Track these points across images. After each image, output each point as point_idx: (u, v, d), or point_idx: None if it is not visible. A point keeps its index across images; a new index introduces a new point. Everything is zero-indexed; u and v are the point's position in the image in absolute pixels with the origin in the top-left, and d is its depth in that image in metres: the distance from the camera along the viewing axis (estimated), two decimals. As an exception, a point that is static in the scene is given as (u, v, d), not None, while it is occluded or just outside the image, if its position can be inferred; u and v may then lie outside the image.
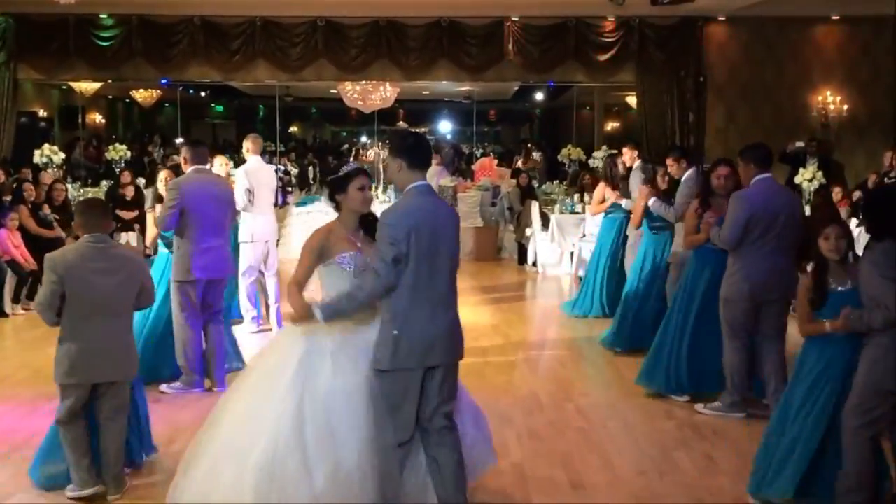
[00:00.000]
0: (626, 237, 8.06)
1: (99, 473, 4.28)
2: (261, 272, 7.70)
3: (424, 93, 17.99)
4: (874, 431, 3.93)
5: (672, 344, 5.93)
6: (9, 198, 9.68)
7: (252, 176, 7.52)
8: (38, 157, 12.14)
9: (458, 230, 3.81)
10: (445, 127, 22.40)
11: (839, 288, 4.18)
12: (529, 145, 17.29)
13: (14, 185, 10.22)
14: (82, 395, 4.19)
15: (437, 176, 13.56)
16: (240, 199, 7.25)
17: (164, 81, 14.53)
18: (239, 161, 9.58)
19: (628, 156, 8.44)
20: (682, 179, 7.05)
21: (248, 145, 7.78)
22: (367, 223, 3.94)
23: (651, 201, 7.11)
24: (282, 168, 16.30)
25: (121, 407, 4.29)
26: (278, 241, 10.78)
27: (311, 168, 17.68)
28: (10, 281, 8.59)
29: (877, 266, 3.86)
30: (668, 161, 7.30)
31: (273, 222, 7.74)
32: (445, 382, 3.68)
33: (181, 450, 4.88)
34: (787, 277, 5.38)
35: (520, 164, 15.44)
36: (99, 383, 4.22)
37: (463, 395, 4.07)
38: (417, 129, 22.65)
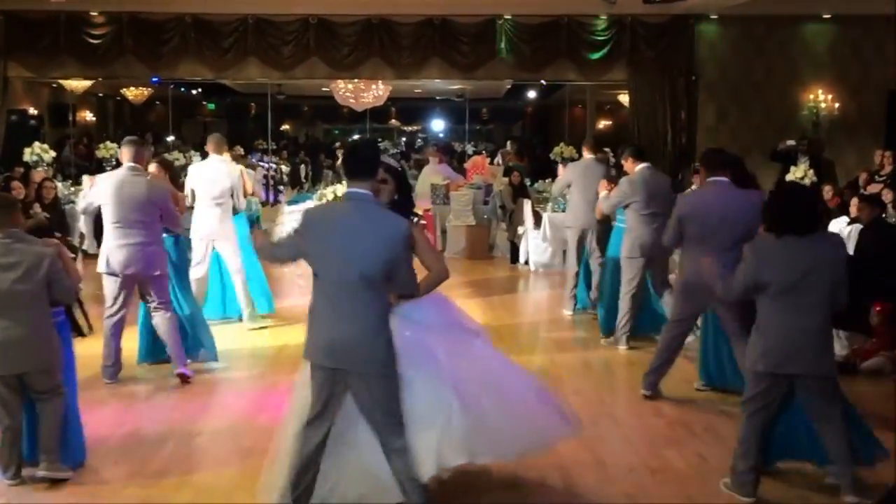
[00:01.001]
0: None
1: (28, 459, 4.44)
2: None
3: (417, 91, 17.98)
4: (753, 409, 4.24)
5: (708, 341, 6.04)
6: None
7: (194, 174, 7.69)
8: (28, 155, 12.08)
9: (387, 247, 3.56)
10: (438, 125, 22.41)
11: None
12: (509, 145, 17.15)
13: (3, 184, 10.17)
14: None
15: (441, 172, 13.57)
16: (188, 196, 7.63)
17: (155, 79, 14.48)
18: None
19: (584, 152, 8.65)
20: (623, 179, 7.36)
21: (208, 146, 8.00)
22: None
23: (602, 195, 7.52)
24: (272, 166, 16.30)
25: (45, 391, 4.37)
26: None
27: (302, 166, 17.65)
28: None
29: (749, 248, 4.25)
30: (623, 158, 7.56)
31: (211, 220, 7.58)
32: (366, 396, 3.63)
33: (173, 450, 4.90)
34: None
35: (508, 160, 15.37)
36: (23, 373, 4.33)
37: (492, 378, 4.08)
38: (412, 128, 22.70)
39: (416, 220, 4.23)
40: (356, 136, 17.88)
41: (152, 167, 6.73)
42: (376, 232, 3.57)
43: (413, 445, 3.69)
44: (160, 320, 6.12)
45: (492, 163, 15.39)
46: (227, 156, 8.25)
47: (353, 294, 3.57)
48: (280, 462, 3.90)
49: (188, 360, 6.28)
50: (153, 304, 6.13)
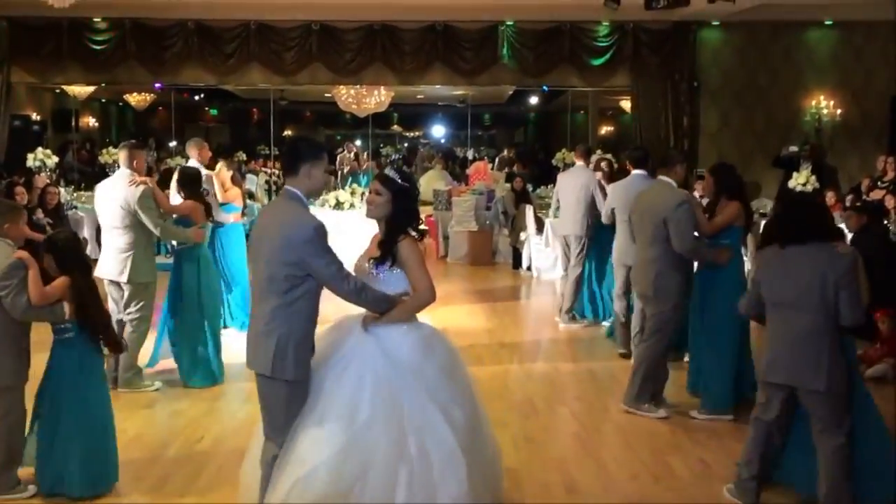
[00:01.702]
0: None
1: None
2: None
3: (419, 97, 18.01)
4: (754, 416, 4.27)
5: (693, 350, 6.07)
6: None
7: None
8: (31, 160, 12.10)
9: (286, 248, 3.44)
10: (440, 131, 22.43)
11: None
12: (506, 153, 17.16)
13: (6, 189, 10.17)
14: None
15: (445, 179, 13.56)
16: None
17: (157, 85, 14.49)
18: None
19: (575, 159, 8.81)
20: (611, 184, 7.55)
21: (188, 148, 7.97)
22: (388, 229, 3.85)
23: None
24: (275, 171, 16.34)
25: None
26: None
27: (305, 172, 17.64)
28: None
29: (756, 259, 4.45)
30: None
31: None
32: (260, 395, 3.66)
33: (176, 456, 4.89)
34: (647, 272, 5.60)
35: (515, 168, 15.40)
36: None
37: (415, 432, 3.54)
38: (414, 134, 22.71)
39: (418, 236, 3.89)
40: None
41: (174, 180, 6.71)
42: (281, 232, 3.49)
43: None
44: (128, 333, 5.96)
45: (493, 168, 15.42)
46: (222, 164, 8.18)
47: (260, 290, 3.59)
48: (250, 462, 3.85)
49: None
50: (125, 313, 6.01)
